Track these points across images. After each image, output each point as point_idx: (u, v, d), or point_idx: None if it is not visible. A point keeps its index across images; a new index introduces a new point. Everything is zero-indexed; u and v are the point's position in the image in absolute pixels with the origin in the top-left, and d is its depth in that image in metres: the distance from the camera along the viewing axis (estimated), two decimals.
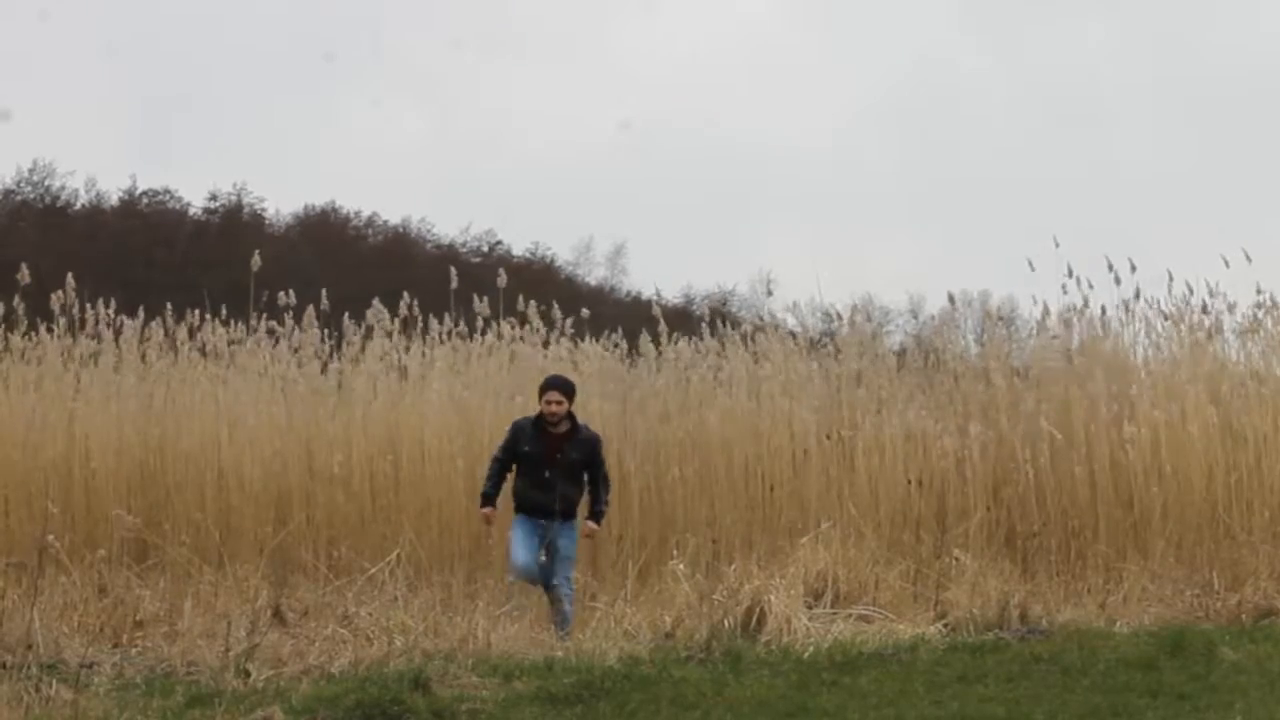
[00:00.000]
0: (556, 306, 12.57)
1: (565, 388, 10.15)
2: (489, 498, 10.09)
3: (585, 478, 10.08)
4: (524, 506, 9.97)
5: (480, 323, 12.36)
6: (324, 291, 12.47)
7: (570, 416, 10.09)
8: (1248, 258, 11.96)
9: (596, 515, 10.15)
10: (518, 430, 10.12)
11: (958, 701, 7.19)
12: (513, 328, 12.23)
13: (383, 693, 7.32)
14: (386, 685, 7.46)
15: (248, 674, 7.90)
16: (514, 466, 10.08)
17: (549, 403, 10.00)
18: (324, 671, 8.02)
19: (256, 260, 12.45)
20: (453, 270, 12.79)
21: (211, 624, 8.93)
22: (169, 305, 12.68)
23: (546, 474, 9.90)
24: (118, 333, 12.41)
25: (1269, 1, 55.36)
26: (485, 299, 12.39)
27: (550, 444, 9.97)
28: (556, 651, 8.84)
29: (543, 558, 9.77)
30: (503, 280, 12.49)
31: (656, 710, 7.16)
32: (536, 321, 12.26)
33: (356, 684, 7.54)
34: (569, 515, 9.97)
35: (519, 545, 9.85)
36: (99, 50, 60.77)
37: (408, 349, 12.33)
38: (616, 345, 12.66)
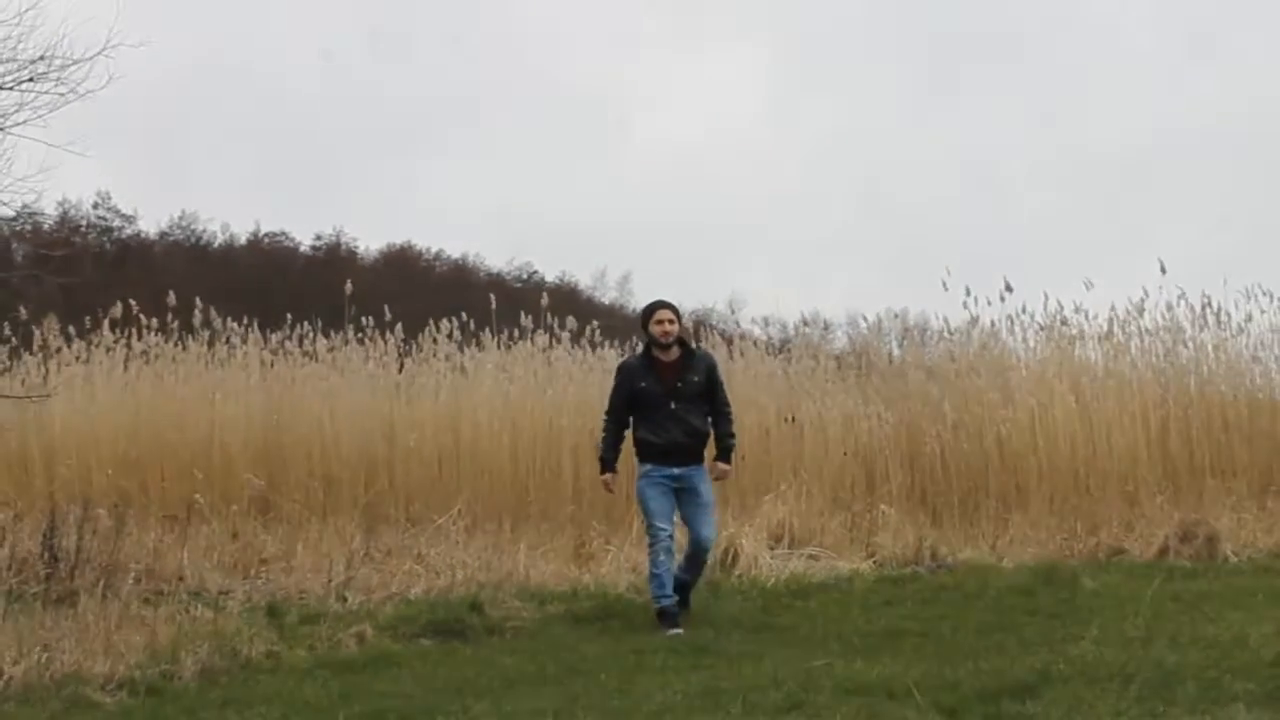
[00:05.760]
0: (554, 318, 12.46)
1: (674, 307, 7.38)
2: (608, 462, 7.32)
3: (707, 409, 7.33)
4: (651, 453, 7.18)
5: (520, 332, 12.32)
6: (420, 311, 12.54)
7: (681, 340, 7.36)
8: (1089, 285, 12.05)
9: (725, 452, 7.45)
10: (627, 371, 7.36)
11: (884, 619, 7.19)
12: (552, 338, 12.19)
13: (448, 613, 7.33)
14: (450, 608, 7.47)
15: (345, 599, 7.92)
16: (631, 416, 7.33)
17: (659, 322, 7.21)
18: (403, 597, 8.04)
19: (349, 287, 12.43)
20: (495, 292, 12.71)
21: (318, 561, 8.94)
22: (287, 320, 12.71)
23: (672, 406, 7.14)
24: (246, 343, 12.46)
25: (1137, 89, 55.58)
26: (529, 316, 12.34)
27: (667, 374, 7.21)
28: (582, 579, 8.84)
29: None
30: (545, 301, 12.40)
31: (656, 625, 7.16)
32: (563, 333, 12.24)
33: (428, 607, 7.57)
34: (700, 456, 7.27)
35: (661, 515, 7.15)
36: (232, 121, 60.70)
37: (462, 351, 12.32)
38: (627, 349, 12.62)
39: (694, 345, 7.61)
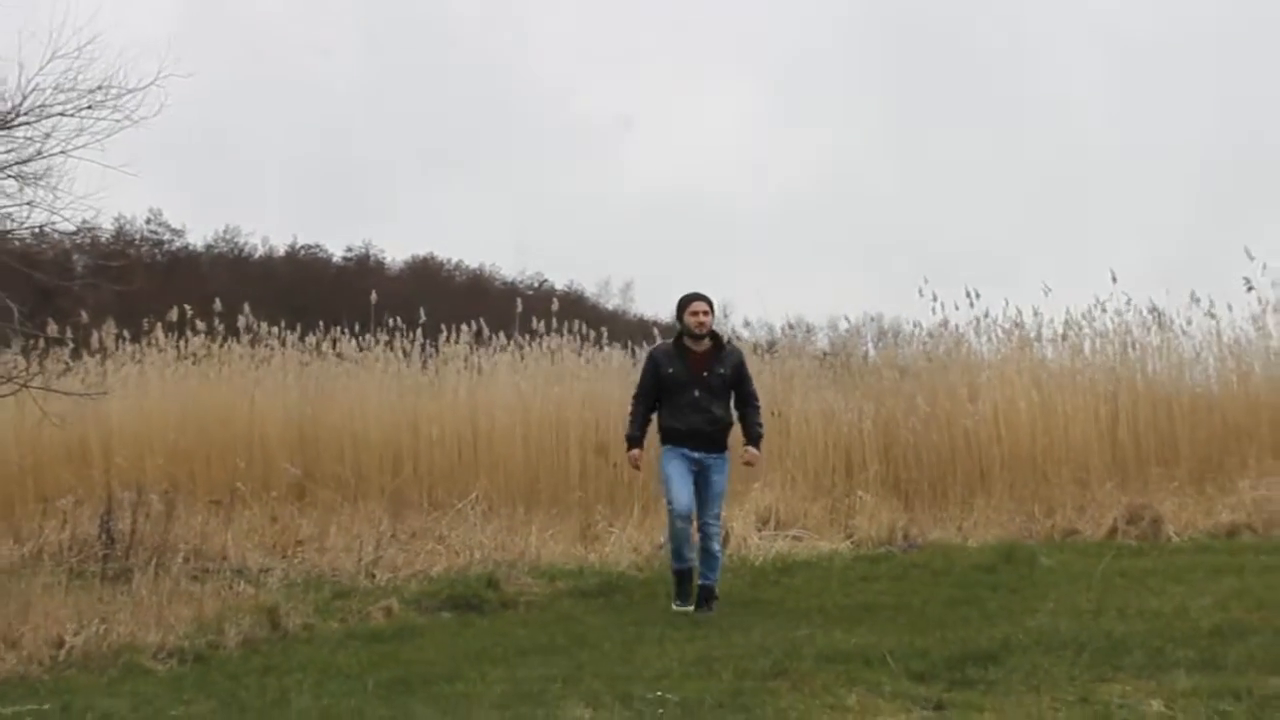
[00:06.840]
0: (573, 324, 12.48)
1: (709, 300, 6.89)
2: (635, 440, 6.92)
3: (732, 401, 6.91)
4: (673, 435, 6.77)
5: (531, 335, 12.34)
6: (441, 316, 12.54)
7: (713, 334, 6.89)
8: (1047, 290, 12.08)
9: (755, 440, 6.94)
10: (658, 357, 6.88)
11: (861, 594, 7.22)
12: (560, 338, 12.21)
13: (467, 589, 7.36)
14: (469, 584, 7.50)
15: (374, 576, 7.93)
16: (658, 400, 6.87)
17: (694, 313, 6.78)
18: (426, 575, 8.05)
19: (374, 296, 12.48)
20: (509, 300, 12.75)
21: (349, 542, 8.95)
22: (319, 325, 12.72)
23: (696, 394, 6.71)
24: (283, 345, 12.49)
25: (1100, 106, 55.30)
26: (541, 321, 12.37)
27: (696, 363, 6.78)
28: (588, 558, 8.85)
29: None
30: (555, 307, 12.45)
31: (654, 600, 7.20)
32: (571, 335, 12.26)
33: (448, 583, 7.59)
34: (721, 444, 6.80)
35: (678, 486, 6.68)
36: (270, 142, 60.57)
37: (477, 352, 12.34)
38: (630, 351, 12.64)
39: (725, 341, 7.05)
